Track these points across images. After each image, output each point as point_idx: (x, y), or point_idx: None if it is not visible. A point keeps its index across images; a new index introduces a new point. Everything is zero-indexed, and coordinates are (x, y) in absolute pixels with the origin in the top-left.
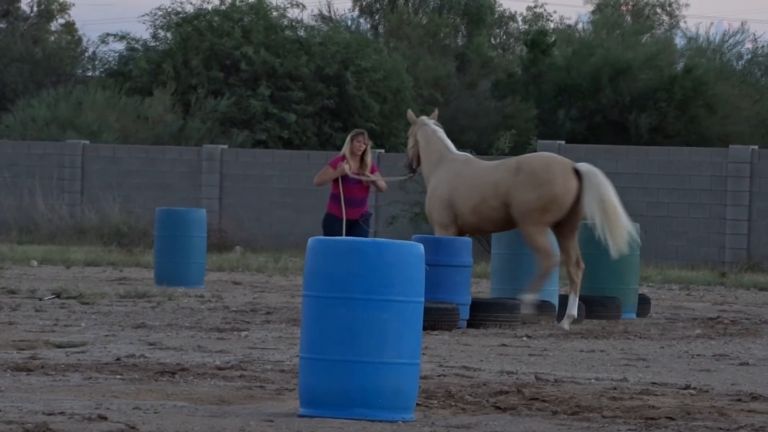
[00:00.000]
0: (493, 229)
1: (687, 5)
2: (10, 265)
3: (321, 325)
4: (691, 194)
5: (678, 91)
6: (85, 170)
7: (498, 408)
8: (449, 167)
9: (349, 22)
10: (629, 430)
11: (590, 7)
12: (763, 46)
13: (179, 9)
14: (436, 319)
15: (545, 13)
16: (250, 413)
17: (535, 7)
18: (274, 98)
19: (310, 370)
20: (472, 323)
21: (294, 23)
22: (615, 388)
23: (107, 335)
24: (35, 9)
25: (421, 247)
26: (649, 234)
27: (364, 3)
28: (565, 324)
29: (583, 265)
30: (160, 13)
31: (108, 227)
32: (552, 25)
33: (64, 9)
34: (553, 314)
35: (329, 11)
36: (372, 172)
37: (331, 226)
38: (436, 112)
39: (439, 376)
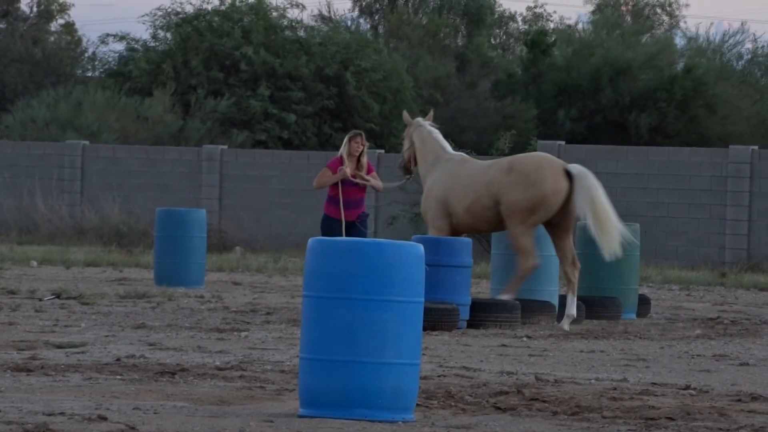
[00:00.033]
0: (488, 229)
1: (687, 5)
2: (10, 266)
3: (321, 326)
4: (691, 194)
5: (678, 91)
6: (85, 170)
7: (498, 408)
8: (445, 167)
9: (349, 23)
10: (629, 430)
11: (590, 8)
12: (763, 46)
13: (179, 9)
14: (436, 320)
15: (545, 14)
16: (250, 413)
17: (535, 7)
18: (273, 98)
19: (310, 371)
20: (472, 324)
21: (294, 23)
22: (615, 389)
23: (107, 336)
24: (35, 9)
25: (421, 247)
26: (649, 234)
27: (363, 3)
28: (565, 324)
29: (579, 265)
30: (159, 13)
31: (108, 227)
32: (552, 26)
33: (63, 9)
34: (553, 315)
35: (329, 11)
36: (368, 171)
37: (329, 228)
38: (432, 113)
39: (439, 376)
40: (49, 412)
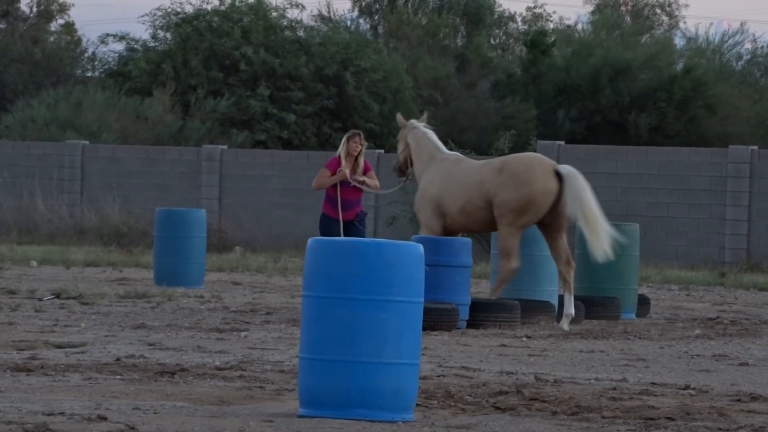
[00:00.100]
0: (481, 229)
1: (687, 5)
2: (10, 266)
3: (321, 326)
4: (691, 194)
5: (678, 92)
6: (85, 170)
7: (498, 408)
8: (440, 167)
9: (349, 23)
10: (629, 430)
11: (590, 8)
12: (762, 47)
13: (179, 9)
14: (435, 320)
15: (545, 14)
16: (249, 413)
17: (535, 7)
18: (273, 98)
19: (310, 371)
20: (471, 323)
21: (293, 23)
22: (615, 389)
23: (107, 335)
24: (35, 9)
25: (421, 247)
26: (648, 234)
27: (363, 3)
28: (564, 324)
29: (573, 264)
30: (159, 13)
31: (108, 227)
32: (551, 26)
33: (63, 9)
34: (553, 315)
35: (329, 11)
36: (366, 170)
37: (328, 227)
38: (426, 114)
39: (438, 376)
40: (48, 412)
